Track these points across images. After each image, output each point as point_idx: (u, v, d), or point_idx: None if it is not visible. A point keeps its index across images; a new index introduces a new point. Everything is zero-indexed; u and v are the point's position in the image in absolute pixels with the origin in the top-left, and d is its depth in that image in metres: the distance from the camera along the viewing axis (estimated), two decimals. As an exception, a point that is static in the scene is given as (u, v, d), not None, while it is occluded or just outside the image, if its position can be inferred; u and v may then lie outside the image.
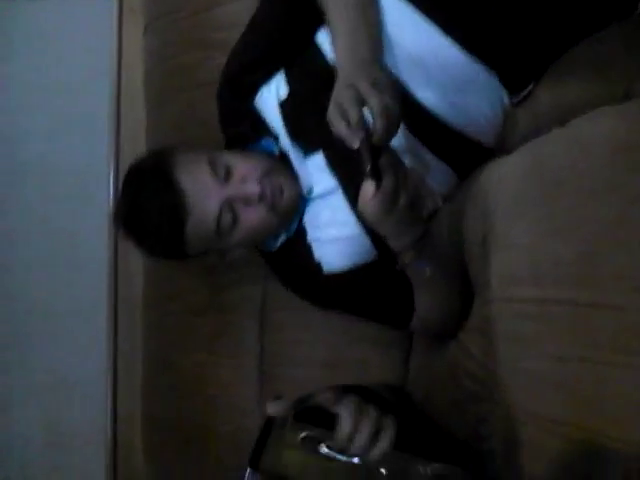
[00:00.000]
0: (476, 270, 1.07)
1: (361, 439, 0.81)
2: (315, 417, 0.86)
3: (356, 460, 0.84)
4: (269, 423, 0.91)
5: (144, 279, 1.49)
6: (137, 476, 1.42)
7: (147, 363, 1.42)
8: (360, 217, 1.08)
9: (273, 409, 0.86)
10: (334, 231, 1.20)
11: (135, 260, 1.51)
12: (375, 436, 0.81)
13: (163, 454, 1.40)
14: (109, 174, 1.61)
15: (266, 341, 1.36)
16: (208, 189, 1.11)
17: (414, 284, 1.14)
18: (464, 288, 1.13)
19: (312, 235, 1.22)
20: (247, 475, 0.88)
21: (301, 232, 1.23)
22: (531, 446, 0.93)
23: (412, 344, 1.32)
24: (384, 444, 0.82)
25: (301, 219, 1.22)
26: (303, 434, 0.87)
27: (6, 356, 1.58)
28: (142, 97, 1.52)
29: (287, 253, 1.26)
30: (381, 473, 0.87)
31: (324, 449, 0.86)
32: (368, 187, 0.92)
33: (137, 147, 1.53)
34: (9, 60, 1.63)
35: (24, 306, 1.59)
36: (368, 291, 1.22)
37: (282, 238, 1.24)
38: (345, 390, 0.89)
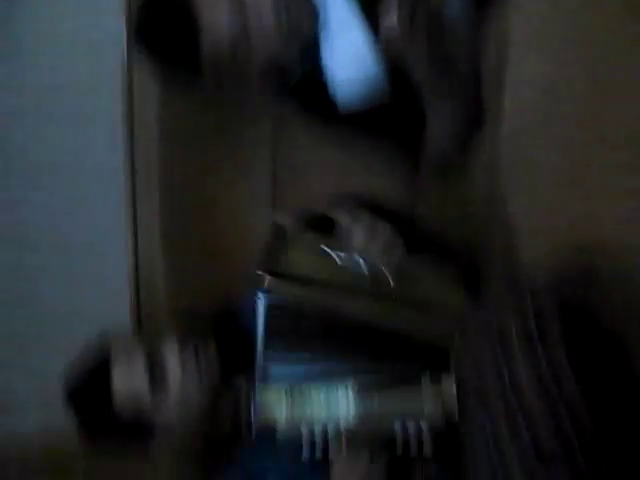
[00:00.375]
0: (490, 96, 1.14)
1: (359, 236, 0.93)
2: (317, 223, 0.96)
3: (356, 258, 0.95)
4: (278, 231, 1.02)
5: (158, 111, 1.49)
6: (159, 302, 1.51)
7: (164, 188, 1.47)
8: (382, 45, 1.11)
9: (281, 218, 0.93)
10: (352, 66, 1.21)
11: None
12: (371, 235, 0.93)
13: (183, 273, 1.48)
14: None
15: (278, 167, 1.42)
16: (223, 15, 1.12)
17: (430, 110, 1.19)
18: (478, 116, 1.18)
19: (329, 70, 1.23)
20: (265, 281, 0.98)
21: (318, 67, 1.24)
22: (527, 246, 1.03)
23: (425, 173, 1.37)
24: (382, 240, 0.94)
25: (319, 53, 1.23)
26: (308, 238, 0.99)
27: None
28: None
29: (303, 87, 1.28)
30: (383, 273, 0.96)
31: (327, 249, 0.97)
32: (390, 10, 0.94)
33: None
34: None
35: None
36: (381, 123, 1.26)
37: (298, 72, 1.25)
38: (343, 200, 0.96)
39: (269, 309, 0.99)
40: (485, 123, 1.18)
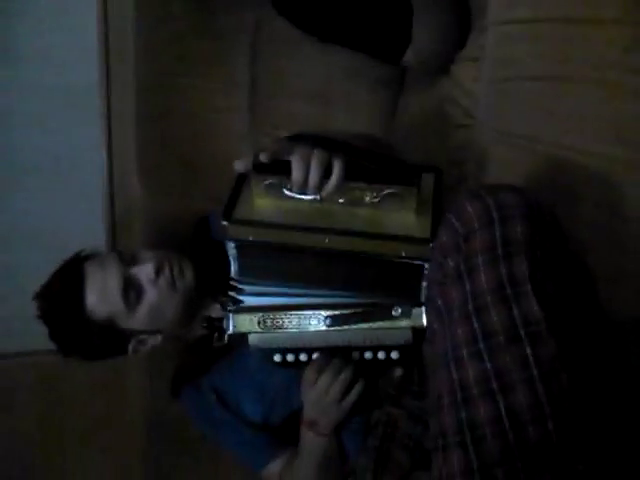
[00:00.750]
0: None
1: (313, 177, 0.89)
2: (275, 167, 0.92)
3: (314, 196, 0.93)
4: (240, 179, 1.01)
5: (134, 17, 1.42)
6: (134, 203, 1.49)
7: (140, 90, 1.42)
8: None
9: (239, 166, 0.93)
10: None
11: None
12: (326, 173, 0.89)
13: (158, 177, 1.45)
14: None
15: (258, 70, 1.36)
16: None
17: (416, 11, 1.15)
18: (462, 19, 1.15)
19: None
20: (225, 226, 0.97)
21: None
22: (503, 162, 1.02)
23: (403, 85, 1.35)
24: (335, 176, 0.90)
25: None
26: (266, 182, 0.95)
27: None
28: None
29: None
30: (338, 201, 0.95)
31: (286, 192, 0.95)
32: None
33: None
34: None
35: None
36: (365, 20, 1.21)
37: None
38: (298, 139, 0.95)
39: (238, 251, 1.00)
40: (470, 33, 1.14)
